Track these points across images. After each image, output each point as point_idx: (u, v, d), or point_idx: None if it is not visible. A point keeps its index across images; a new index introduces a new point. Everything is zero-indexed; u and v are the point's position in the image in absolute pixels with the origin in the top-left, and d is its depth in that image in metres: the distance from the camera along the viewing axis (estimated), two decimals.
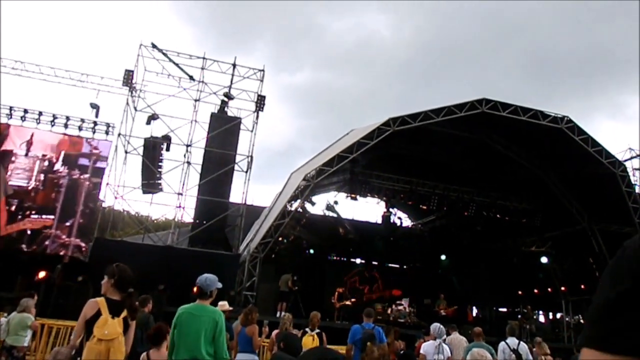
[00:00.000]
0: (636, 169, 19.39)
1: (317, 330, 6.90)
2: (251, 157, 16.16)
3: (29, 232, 14.76)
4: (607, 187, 15.57)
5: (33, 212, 14.90)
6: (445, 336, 7.12)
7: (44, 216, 14.84)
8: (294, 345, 3.43)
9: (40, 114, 15.39)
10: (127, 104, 15.81)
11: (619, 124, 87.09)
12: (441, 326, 7.07)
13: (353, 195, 19.51)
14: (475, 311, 22.65)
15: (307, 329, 6.92)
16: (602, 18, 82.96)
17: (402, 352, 7.27)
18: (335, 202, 20.57)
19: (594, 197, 16.68)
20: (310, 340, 6.48)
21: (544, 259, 19.78)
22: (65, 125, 15.48)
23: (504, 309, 22.73)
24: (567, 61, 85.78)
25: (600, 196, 16.33)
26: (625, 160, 18.28)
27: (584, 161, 15.53)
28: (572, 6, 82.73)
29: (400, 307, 17.81)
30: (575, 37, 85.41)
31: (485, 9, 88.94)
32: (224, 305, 7.09)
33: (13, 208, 14.91)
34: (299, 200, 15.79)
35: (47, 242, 14.47)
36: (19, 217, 14.78)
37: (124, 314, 3.68)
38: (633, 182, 16.47)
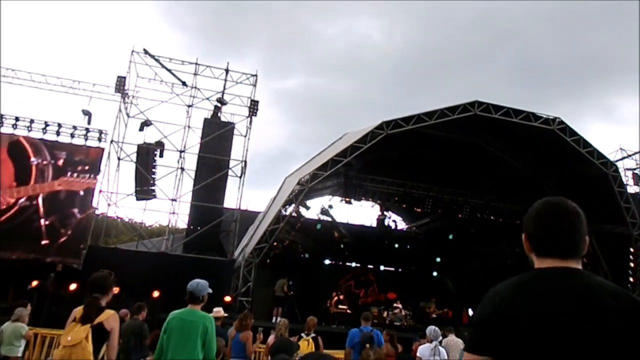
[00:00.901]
0: (628, 169, 19.56)
1: (313, 335, 6.89)
2: (245, 162, 16.15)
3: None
4: (600, 187, 15.68)
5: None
6: (441, 338, 7.12)
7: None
8: (283, 351, 3.42)
9: (31, 121, 15.29)
10: (120, 110, 15.75)
11: (610, 126, 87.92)
12: (436, 328, 7.08)
13: (347, 199, 19.52)
14: (470, 313, 22.66)
15: (302, 334, 6.91)
16: (592, 23, 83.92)
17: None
18: (330, 206, 20.58)
19: (586, 197, 16.72)
20: (305, 345, 6.47)
21: None
22: (57, 133, 15.39)
23: None
24: (557, 65, 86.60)
25: (592, 197, 16.41)
26: (617, 161, 18.42)
27: (576, 162, 15.65)
28: (561, 11, 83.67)
29: (396, 311, 17.82)
30: (565, 41, 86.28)
31: (475, 14, 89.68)
32: (219, 311, 7.06)
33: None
34: (293, 205, 15.77)
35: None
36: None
37: (98, 320, 3.62)
38: (625, 182, 16.60)
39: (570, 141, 14.88)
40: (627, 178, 18.65)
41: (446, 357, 6.84)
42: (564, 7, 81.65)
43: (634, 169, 19.77)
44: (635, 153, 20.03)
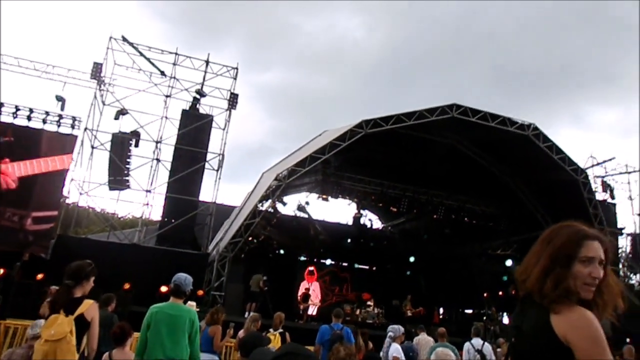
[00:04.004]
0: (597, 177, 20.14)
1: (280, 330, 6.90)
2: (222, 155, 15.98)
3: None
4: (570, 193, 16.10)
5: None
6: None
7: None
8: (252, 345, 3.39)
9: (1, 105, 14.77)
10: (95, 97, 15.39)
11: (580, 132, 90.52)
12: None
13: (324, 196, 19.54)
14: (441, 312, 23.01)
15: (270, 329, 6.92)
16: (566, 32, 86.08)
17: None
18: (307, 203, 20.56)
19: (557, 202, 17.22)
20: (272, 339, 6.47)
21: (509, 262, 20.29)
22: (29, 118, 14.92)
23: (470, 311, 23.19)
24: (531, 71, 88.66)
25: (563, 202, 16.87)
26: (587, 168, 18.95)
27: (548, 168, 16.03)
28: (538, 19, 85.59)
29: (369, 309, 17.92)
30: (539, 49, 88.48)
31: (455, 17, 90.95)
32: (192, 305, 6.99)
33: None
34: (270, 200, 15.70)
35: None
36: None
37: (79, 311, 3.50)
38: (594, 189, 17.09)
39: (543, 147, 15.23)
40: (596, 185, 19.21)
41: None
42: (540, 15, 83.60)
43: (603, 177, 20.39)
44: (605, 161, 20.66)
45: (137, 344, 4.14)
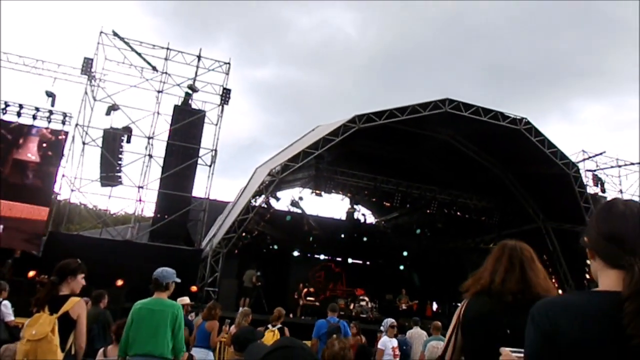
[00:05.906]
0: (588, 171, 20.28)
1: (279, 326, 6.92)
2: (215, 151, 15.93)
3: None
4: (561, 187, 16.22)
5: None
6: None
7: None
8: (246, 340, 3.40)
9: None
10: (86, 93, 15.24)
11: (570, 127, 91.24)
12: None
13: (318, 192, 19.52)
14: (435, 306, 23.15)
15: (269, 325, 6.93)
16: (556, 29, 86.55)
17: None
18: (300, 198, 20.53)
19: (548, 196, 17.34)
20: (270, 336, 6.48)
21: None
22: (18, 114, 14.77)
23: None
24: (522, 67, 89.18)
25: (554, 196, 17.00)
26: (579, 162, 19.07)
27: (540, 162, 16.12)
28: (528, 16, 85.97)
29: (363, 303, 18.00)
30: (529, 45, 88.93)
31: (447, 14, 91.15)
32: (183, 300, 7.01)
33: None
34: (263, 196, 15.68)
35: None
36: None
37: (63, 309, 3.42)
38: (585, 183, 17.22)
39: (535, 141, 15.31)
40: (587, 179, 19.35)
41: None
42: (530, 11, 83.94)
43: (594, 171, 20.54)
44: (596, 155, 20.79)
45: (121, 341, 4.15)
